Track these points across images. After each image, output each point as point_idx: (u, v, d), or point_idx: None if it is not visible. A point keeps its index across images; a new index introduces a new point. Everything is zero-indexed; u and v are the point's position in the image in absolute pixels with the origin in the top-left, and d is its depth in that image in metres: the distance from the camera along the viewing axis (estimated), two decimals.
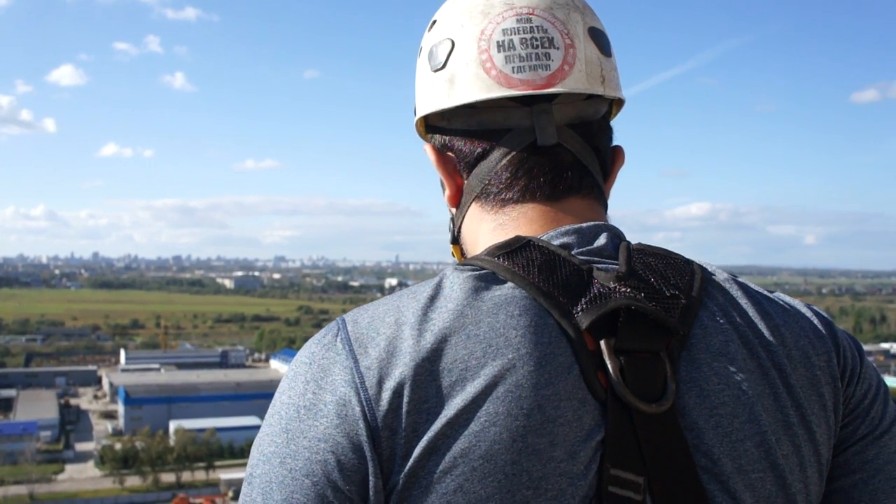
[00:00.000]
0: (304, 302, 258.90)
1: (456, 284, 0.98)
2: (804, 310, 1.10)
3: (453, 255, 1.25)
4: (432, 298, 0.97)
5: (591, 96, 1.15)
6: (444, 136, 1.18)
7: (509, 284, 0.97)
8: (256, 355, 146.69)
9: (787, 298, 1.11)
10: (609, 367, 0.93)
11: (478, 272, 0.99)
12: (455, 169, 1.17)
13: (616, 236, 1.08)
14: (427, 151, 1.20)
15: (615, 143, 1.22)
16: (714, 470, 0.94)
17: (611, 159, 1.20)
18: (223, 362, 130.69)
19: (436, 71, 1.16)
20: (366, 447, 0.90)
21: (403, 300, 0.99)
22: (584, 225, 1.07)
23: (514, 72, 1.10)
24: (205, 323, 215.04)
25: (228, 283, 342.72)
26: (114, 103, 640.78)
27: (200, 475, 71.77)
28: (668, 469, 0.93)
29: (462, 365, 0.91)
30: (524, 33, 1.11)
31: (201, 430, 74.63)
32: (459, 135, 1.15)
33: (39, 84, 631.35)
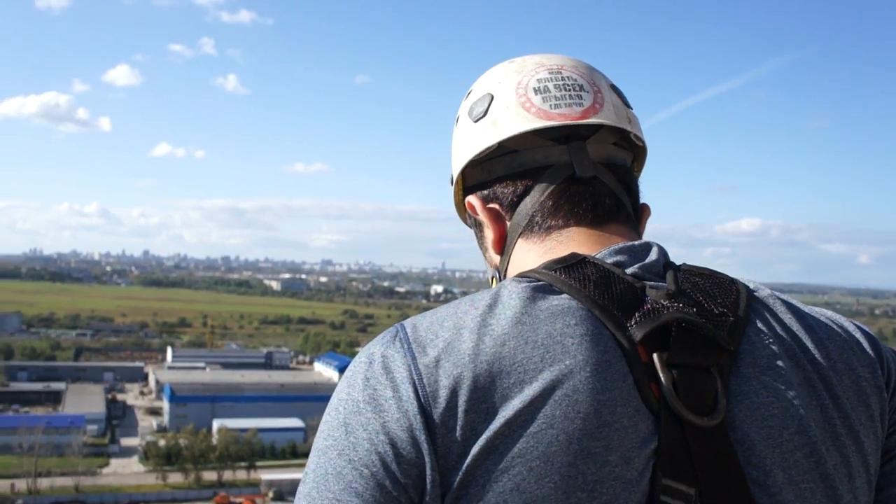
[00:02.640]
0: (349, 306, 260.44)
1: (514, 293, 1.01)
2: (847, 324, 1.13)
3: None
4: (491, 306, 1.00)
5: (616, 143, 1.24)
6: (483, 190, 1.25)
7: (565, 296, 1.01)
8: (301, 357, 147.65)
9: (829, 313, 1.14)
10: (662, 378, 0.96)
11: (535, 283, 1.03)
12: (499, 215, 1.23)
13: (664, 255, 1.12)
14: (473, 202, 1.25)
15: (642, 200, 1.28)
16: (766, 482, 0.96)
17: (641, 212, 1.26)
18: (268, 363, 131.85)
19: (477, 121, 1.25)
20: (424, 442, 0.92)
21: (462, 307, 1.02)
22: (635, 243, 1.11)
23: (551, 108, 1.20)
24: (251, 324, 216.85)
25: (275, 285, 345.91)
26: (167, 104, 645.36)
27: (242, 475, 72.32)
28: (719, 481, 0.95)
29: (521, 368, 0.93)
30: (557, 80, 1.23)
31: (244, 430, 75.27)
32: (500, 181, 1.22)
33: (96, 83, 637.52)
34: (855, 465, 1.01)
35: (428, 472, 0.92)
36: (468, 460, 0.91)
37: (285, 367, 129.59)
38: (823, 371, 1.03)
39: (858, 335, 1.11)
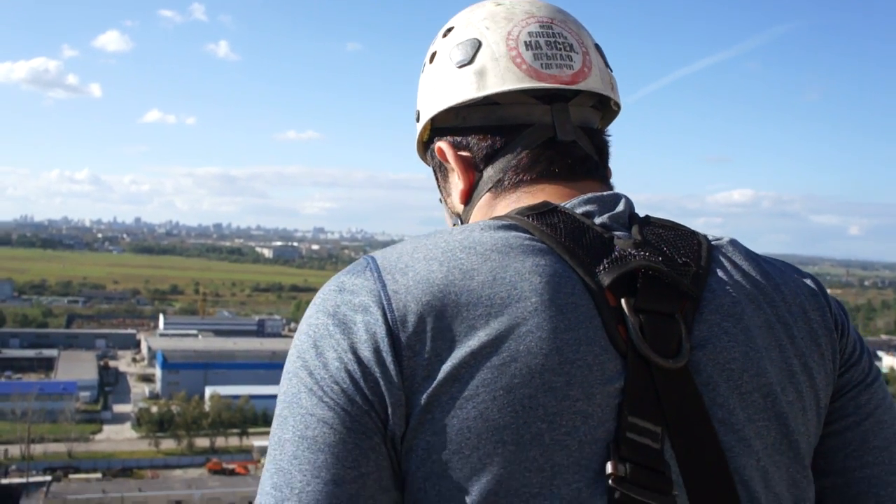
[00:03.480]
0: None
1: (486, 232, 1.03)
2: (797, 271, 1.19)
3: None
4: (462, 241, 1.02)
5: (594, 106, 1.25)
6: (455, 136, 1.23)
7: (538, 241, 1.03)
8: (293, 325, 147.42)
9: (783, 262, 1.19)
10: (630, 322, 0.99)
11: (509, 224, 1.05)
12: (470, 165, 1.22)
13: (630, 206, 1.15)
14: (444, 148, 1.23)
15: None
16: (729, 420, 1.01)
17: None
18: (260, 331, 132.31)
19: (461, 67, 1.21)
20: (390, 364, 0.95)
21: (433, 239, 1.04)
22: (604, 194, 1.14)
23: (542, 67, 1.18)
24: (243, 291, 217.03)
25: (267, 253, 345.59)
26: (158, 70, 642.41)
27: (234, 441, 72.90)
28: (685, 420, 0.99)
29: (488, 302, 0.96)
30: (548, 37, 1.20)
31: (236, 397, 75.60)
32: (475, 132, 1.21)
33: (86, 49, 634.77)
34: (808, 401, 1.07)
35: (394, 391, 0.95)
36: (433, 385, 0.94)
37: (277, 335, 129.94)
38: (781, 313, 1.09)
39: (808, 281, 1.17)
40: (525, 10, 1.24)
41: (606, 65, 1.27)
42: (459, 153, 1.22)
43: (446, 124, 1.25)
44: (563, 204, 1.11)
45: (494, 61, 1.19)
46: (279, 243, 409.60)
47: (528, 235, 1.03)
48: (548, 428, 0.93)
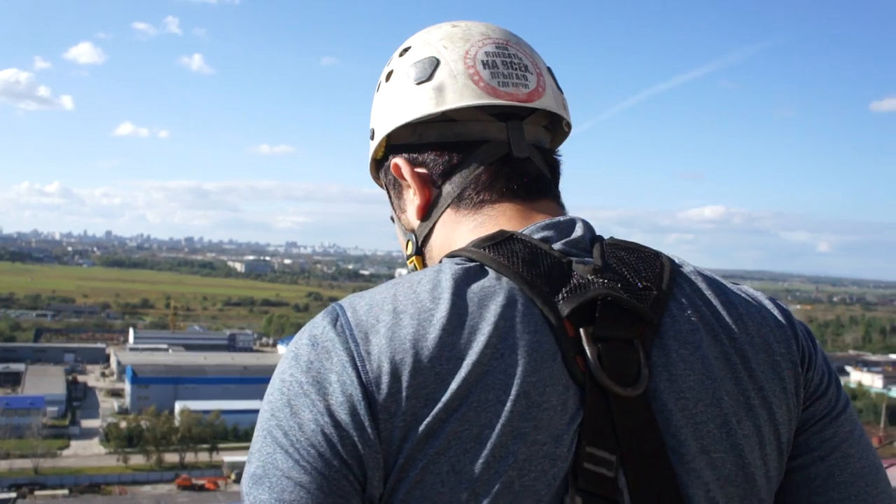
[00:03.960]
0: (313, 288, 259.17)
1: (449, 275, 1.03)
2: (765, 301, 1.17)
3: (411, 269, 1.29)
4: (428, 290, 1.01)
5: (546, 126, 1.29)
6: (411, 153, 1.24)
7: (496, 275, 1.03)
8: (264, 340, 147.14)
9: (751, 290, 1.18)
10: (588, 352, 0.99)
11: (468, 264, 1.05)
12: (427, 181, 1.23)
13: (589, 229, 1.15)
14: (400, 164, 1.24)
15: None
16: (680, 450, 1.00)
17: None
18: (231, 345, 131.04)
19: (419, 83, 1.22)
20: (368, 427, 0.94)
21: (400, 289, 1.03)
22: (560, 219, 1.14)
23: (499, 85, 1.20)
24: (214, 305, 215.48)
25: (239, 267, 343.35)
26: (131, 83, 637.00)
27: (204, 456, 72.09)
28: (639, 448, 0.98)
29: (457, 353, 0.96)
30: (504, 57, 1.23)
31: (206, 412, 75.00)
32: (432, 148, 1.23)
33: (58, 61, 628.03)
34: (766, 435, 1.06)
35: (371, 454, 0.94)
36: (409, 444, 0.93)
37: (248, 350, 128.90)
38: (740, 345, 1.07)
39: (776, 312, 1.15)
40: (481, 32, 1.26)
41: (558, 86, 1.29)
42: (416, 169, 1.23)
43: (402, 141, 1.25)
44: (520, 231, 1.11)
45: (453, 78, 1.20)
46: (251, 257, 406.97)
47: (490, 274, 1.03)
48: (518, 475, 0.94)
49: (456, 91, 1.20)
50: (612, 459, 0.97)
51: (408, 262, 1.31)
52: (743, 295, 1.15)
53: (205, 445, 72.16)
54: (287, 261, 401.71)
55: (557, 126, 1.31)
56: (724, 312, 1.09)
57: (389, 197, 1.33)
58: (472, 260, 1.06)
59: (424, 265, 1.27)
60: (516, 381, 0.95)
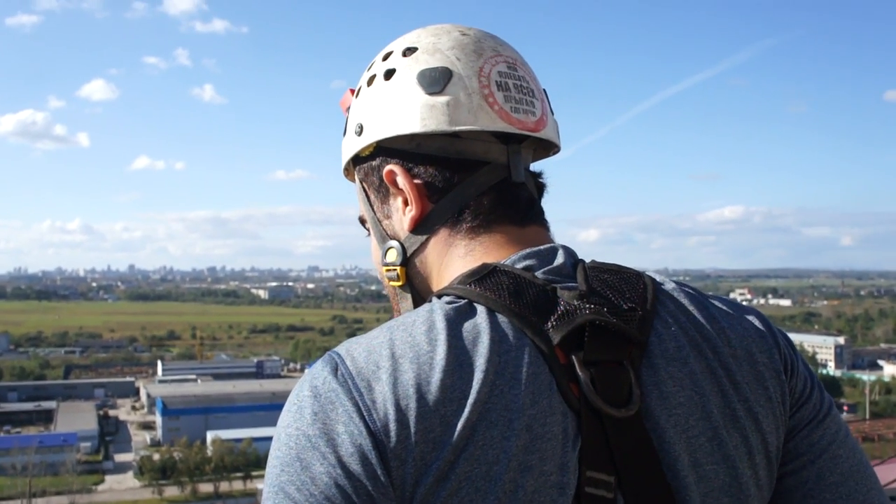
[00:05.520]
0: (338, 311, 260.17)
1: (441, 316, 1.03)
2: (745, 312, 1.19)
3: (391, 277, 1.26)
4: (424, 332, 1.01)
5: (535, 151, 1.29)
6: (406, 162, 1.20)
7: (486, 310, 1.04)
8: (291, 365, 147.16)
9: (730, 301, 1.20)
10: (581, 378, 1.01)
11: (458, 303, 1.06)
12: (423, 194, 1.20)
13: (571, 255, 1.16)
14: (397, 171, 1.20)
15: None
16: (675, 466, 1.02)
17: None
18: (258, 372, 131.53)
19: (432, 94, 1.18)
20: (381, 476, 0.94)
21: (395, 333, 1.03)
22: (541, 248, 1.15)
23: (511, 111, 1.19)
24: (240, 333, 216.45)
25: (263, 294, 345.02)
26: (145, 116, 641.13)
27: (238, 485, 72.04)
28: (635, 468, 1.00)
29: (459, 394, 0.96)
30: (514, 79, 1.22)
31: (238, 441, 75.04)
32: (430, 161, 1.20)
33: (72, 99, 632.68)
34: (755, 445, 1.08)
35: (386, 502, 0.95)
36: (422, 489, 0.94)
37: (276, 376, 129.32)
38: (724, 358, 1.09)
39: (757, 322, 1.17)
40: (491, 47, 1.24)
41: (551, 110, 1.29)
42: (414, 180, 1.20)
43: (395, 146, 1.21)
44: (502, 262, 1.12)
45: (468, 96, 1.18)
46: (274, 284, 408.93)
47: (479, 310, 1.04)
48: None
49: (471, 111, 1.18)
50: (611, 481, 0.99)
51: (384, 269, 1.27)
52: (724, 307, 1.17)
53: (238, 474, 72.19)
54: (310, 285, 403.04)
55: (545, 151, 1.32)
56: (707, 327, 1.11)
57: (367, 197, 1.29)
58: (460, 297, 1.07)
59: (408, 277, 1.25)
60: (518, 416, 0.96)
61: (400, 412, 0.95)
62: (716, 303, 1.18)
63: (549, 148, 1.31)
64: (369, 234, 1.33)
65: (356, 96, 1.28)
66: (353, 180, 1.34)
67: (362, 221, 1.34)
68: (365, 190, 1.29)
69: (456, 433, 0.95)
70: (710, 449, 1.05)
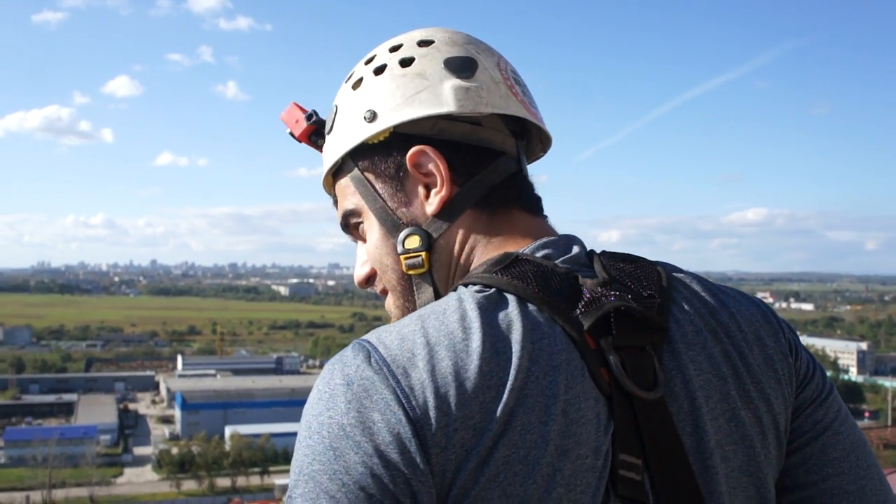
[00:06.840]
0: (358, 309, 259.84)
1: (473, 304, 1.04)
2: (751, 298, 1.24)
3: (413, 265, 1.21)
4: (457, 320, 1.02)
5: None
6: (429, 146, 1.19)
7: (515, 298, 1.05)
8: (311, 362, 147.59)
9: (735, 290, 1.24)
10: (612, 362, 1.03)
11: (487, 291, 1.06)
12: (450, 177, 1.19)
13: (583, 246, 1.18)
14: (430, 153, 1.18)
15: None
16: (698, 447, 1.06)
17: None
18: (278, 368, 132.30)
19: (461, 77, 1.20)
20: (420, 464, 0.94)
21: (428, 321, 1.03)
22: (557, 238, 1.18)
23: (528, 104, 1.26)
24: (260, 329, 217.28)
25: (283, 291, 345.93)
26: (168, 113, 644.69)
27: (255, 480, 72.49)
28: (661, 450, 1.03)
29: (497, 381, 0.97)
30: (519, 77, 1.28)
31: (256, 436, 75.34)
32: (453, 147, 1.20)
33: (96, 95, 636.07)
34: (766, 425, 1.12)
35: (425, 490, 0.94)
36: (462, 475, 0.94)
37: (296, 372, 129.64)
38: (737, 342, 1.13)
39: (761, 307, 1.22)
40: (491, 47, 1.29)
41: None
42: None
43: (415, 131, 1.20)
44: (522, 251, 1.13)
45: (495, 84, 1.21)
46: (295, 280, 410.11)
47: (509, 298, 1.05)
48: (566, 491, 0.96)
49: (500, 97, 1.20)
50: (639, 463, 1.01)
51: (403, 258, 1.21)
52: (732, 294, 1.21)
53: (256, 469, 72.58)
54: (330, 282, 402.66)
55: (530, 155, 1.34)
56: (720, 311, 1.15)
57: (376, 186, 1.23)
58: (487, 286, 1.07)
59: (430, 264, 1.21)
60: (554, 401, 0.98)
61: (440, 399, 0.95)
62: (725, 290, 1.22)
63: (533, 153, 1.35)
64: (353, 234, 1.32)
65: (356, 88, 1.26)
66: (335, 182, 1.30)
67: (347, 218, 1.30)
68: (370, 180, 1.24)
69: (496, 419, 0.95)
70: (730, 430, 1.08)
